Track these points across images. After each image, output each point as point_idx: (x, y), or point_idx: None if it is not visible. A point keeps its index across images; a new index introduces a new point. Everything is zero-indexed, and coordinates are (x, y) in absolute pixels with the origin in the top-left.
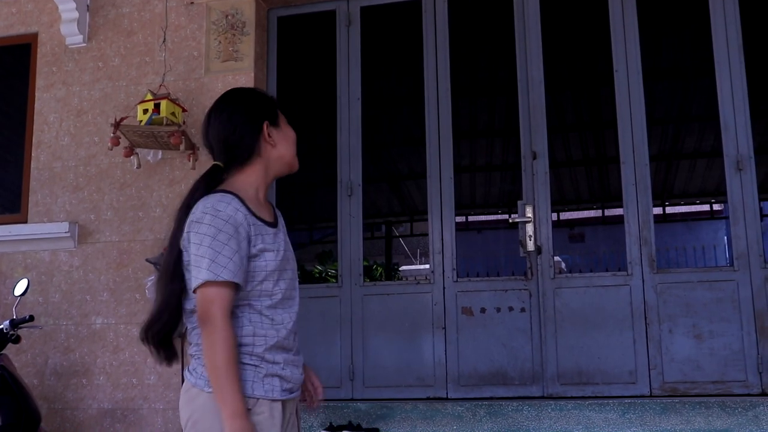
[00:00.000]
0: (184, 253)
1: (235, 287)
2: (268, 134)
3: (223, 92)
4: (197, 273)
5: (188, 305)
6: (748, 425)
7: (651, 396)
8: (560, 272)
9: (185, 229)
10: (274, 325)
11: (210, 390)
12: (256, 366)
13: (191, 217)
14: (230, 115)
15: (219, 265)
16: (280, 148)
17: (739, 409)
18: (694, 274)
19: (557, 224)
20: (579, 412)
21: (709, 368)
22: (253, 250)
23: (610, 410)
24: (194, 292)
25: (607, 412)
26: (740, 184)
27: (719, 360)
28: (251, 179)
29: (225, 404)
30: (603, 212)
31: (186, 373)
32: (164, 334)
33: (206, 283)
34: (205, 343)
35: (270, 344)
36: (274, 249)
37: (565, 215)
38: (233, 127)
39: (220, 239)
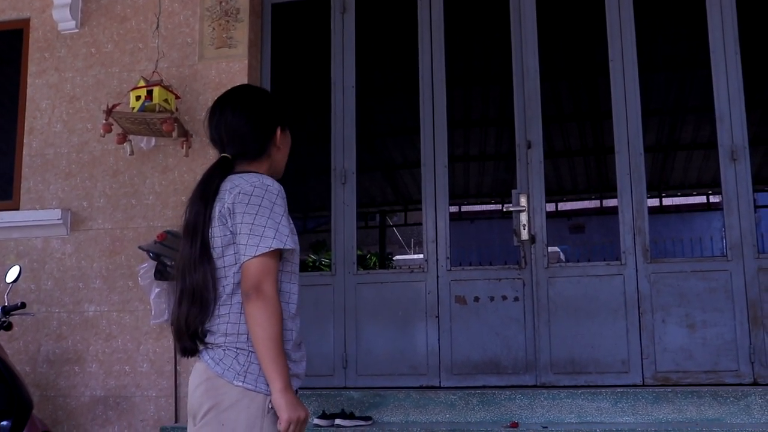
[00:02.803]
0: (219, 229)
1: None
2: (278, 138)
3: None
4: (259, 242)
5: (220, 289)
6: (739, 414)
7: (643, 385)
8: (557, 261)
9: (227, 202)
10: (295, 317)
11: (240, 383)
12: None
13: (236, 190)
14: (251, 111)
15: (283, 234)
16: (282, 151)
17: (731, 399)
18: (687, 264)
19: (556, 214)
20: (572, 401)
21: (701, 358)
22: None
23: (603, 399)
24: (245, 262)
25: (599, 401)
26: (734, 174)
27: (712, 349)
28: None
29: (277, 378)
30: (601, 202)
31: (207, 360)
32: (202, 318)
33: (264, 254)
34: (256, 315)
35: (294, 340)
36: (296, 233)
37: (565, 205)
38: (253, 124)
39: (276, 211)
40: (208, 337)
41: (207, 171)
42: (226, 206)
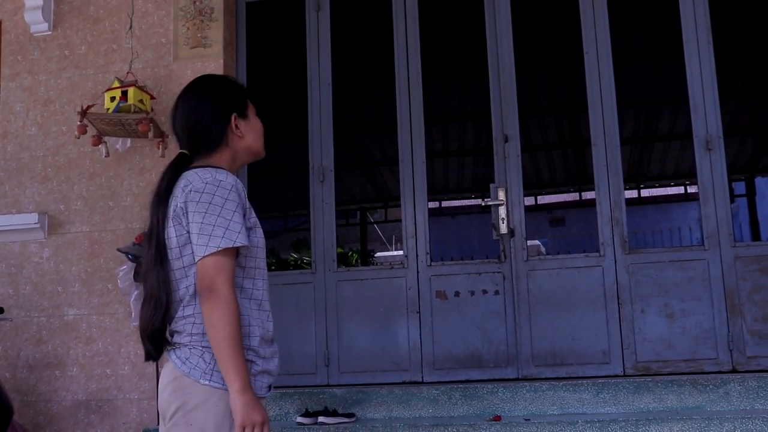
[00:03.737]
0: (174, 229)
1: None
2: (236, 126)
3: (193, 79)
4: (208, 241)
5: (183, 290)
6: (719, 402)
7: (624, 375)
8: (537, 254)
9: (179, 201)
10: (262, 313)
11: (207, 382)
12: (252, 362)
13: (188, 187)
14: (198, 104)
15: (233, 232)
16: (247, 139)
17: (711, 386)
18: (665, 254)
19: (535, 208)
20: (553, 393)
21: (680, 347)
22: (248, 223)
23: (584, 390)
24: (197, 262)
25: (581, 393)
26: (710, 164)
27: (690, 338)
28: (220, 165)
29: (235, 378)
30: (580, 195)
31: (174, 360)
32: (162, 324)
33: (215, 252)
34: (211, 315)
35: (261, 335)
36: (259, 226)
37: (544, 199)
38: (200, 117)
39: (228, 207)
40: (175, 337)
41: (163, 171)
42: (179, 205)
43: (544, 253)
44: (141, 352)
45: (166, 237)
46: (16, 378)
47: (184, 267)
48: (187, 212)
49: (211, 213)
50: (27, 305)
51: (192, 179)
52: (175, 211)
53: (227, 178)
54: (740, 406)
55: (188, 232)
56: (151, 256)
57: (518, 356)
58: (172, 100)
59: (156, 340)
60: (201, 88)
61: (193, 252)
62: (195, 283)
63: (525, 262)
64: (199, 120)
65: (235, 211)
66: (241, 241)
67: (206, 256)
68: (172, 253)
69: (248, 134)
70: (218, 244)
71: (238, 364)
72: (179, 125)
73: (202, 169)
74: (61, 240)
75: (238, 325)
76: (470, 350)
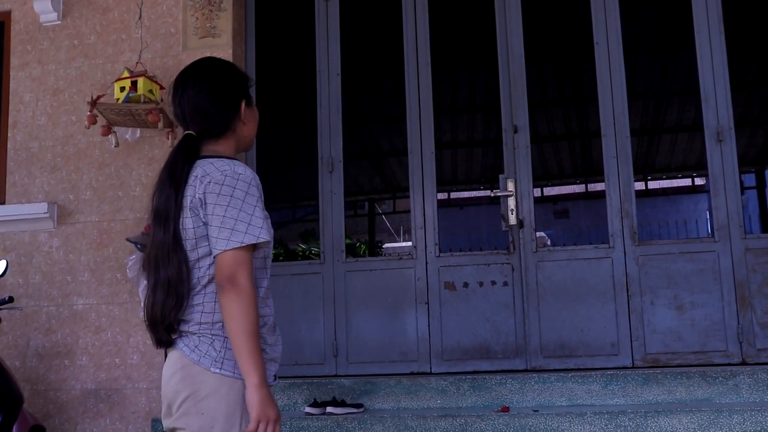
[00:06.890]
0: (191, 220)
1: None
2: (243, 112)
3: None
4: (230, 235)
5: (195, 280)
6: (728, 394)
7: (633, 367)
8: (543, 247)
9: (198, 192)
10: (267, 301)
11: (217, 370)
12: (262, 350)
13: (206, 179)
14: (211, 86)
15: (256, 227)
16: (249, 127)
17: (720, 379)
18: (675, 245)
19: (541, 200)
20: (562, 385)
21: (690, 339)
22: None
23: (593, 382)
24: (216, 255)
25: (589, 384)
26: (720, 155)
27: (700, 330)
28: (227, 152)
29: (253, 372)
30: (586, 187)
31: (182, 348)
32: (177, 311)
33: (236, 248)
34: (231, 308)
35: (269, 324)
36: (269, 218)
37: (550, 190)
38: (213, 100)
39: (249, 201)
40: (181, 326)
41: (172, 152)
42: (197, 196)
43: (549, 245)
44: (150, 341)
45: (181, 227)
46: (25, 367)
47: (198, 258)
48: (206, 204)
49: (233, 207)
50: (36, 295)
51: (209, 170)
52: (192, 201)
53: (246, 171)
54: (750, 399)
55: (205, 224)
56: (169, 244)
57: (527, 347)
58: None
59: (170, 329)
60: (213, 71)
61: (210, 244)
62: (209, 275)
63: (534, 253)
64: (212, 103)
65: (255, 206)
66: (263, 236)
67: (227, 250)
68: (188, 244)
69: (250, 123)
70: (241, 239)
71: (257, 358)
72: (188, 106)
73: (218, 159)
74: (70, 230)
75: (257, 318)
76: (479, 341)
